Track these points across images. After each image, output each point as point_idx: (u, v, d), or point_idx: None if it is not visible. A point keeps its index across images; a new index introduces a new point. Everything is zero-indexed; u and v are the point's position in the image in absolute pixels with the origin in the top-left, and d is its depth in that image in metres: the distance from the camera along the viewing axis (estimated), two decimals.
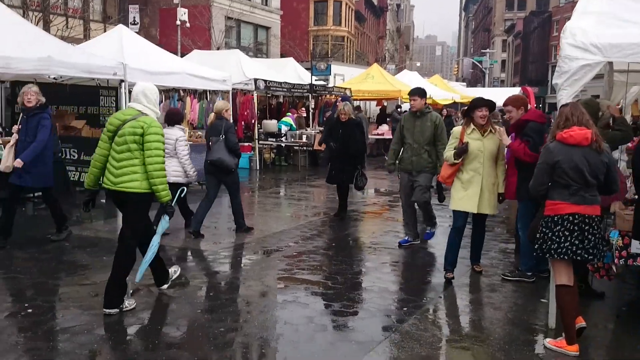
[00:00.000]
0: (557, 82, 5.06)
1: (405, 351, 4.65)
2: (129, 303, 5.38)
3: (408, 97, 7.82)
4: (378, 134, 21.97)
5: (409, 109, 7.80)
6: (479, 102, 6.36)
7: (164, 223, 5.55)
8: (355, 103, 21.85)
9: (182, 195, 6.31)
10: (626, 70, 7.92)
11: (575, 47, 5.01)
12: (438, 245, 8.20)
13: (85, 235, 8.40)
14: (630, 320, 5.43)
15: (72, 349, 4.50)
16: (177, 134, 8.07)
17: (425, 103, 7.69)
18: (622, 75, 8.26)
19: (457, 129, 6.49)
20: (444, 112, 19.78)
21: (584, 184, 4.52)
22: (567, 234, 4.52)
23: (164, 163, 5.24)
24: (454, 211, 6.45)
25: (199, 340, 4.83)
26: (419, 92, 7.69)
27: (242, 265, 7.31)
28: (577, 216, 4.51)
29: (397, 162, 7.94)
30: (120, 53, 11.82)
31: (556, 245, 4.54)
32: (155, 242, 5.48)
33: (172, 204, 5.40)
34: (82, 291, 5.95)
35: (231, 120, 8.77)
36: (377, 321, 5.32)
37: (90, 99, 13.21)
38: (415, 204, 7.93)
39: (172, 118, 8.23)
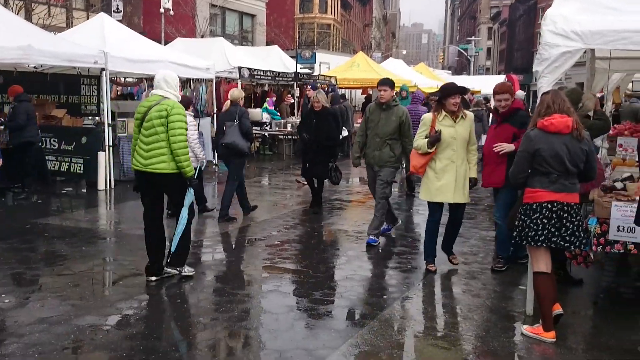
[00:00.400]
0: (537, 70, 5.06)
1: (384, 339, 4.67)
2: (188, 269, 6.05)
3: (377, 86, 7.34)
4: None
5: (376, 99, 7.40)
6: (453, 90, 6.17)
7: (190, 196, 5.98)
8: (341, 91, 21.78)
9: (202, 169, 7.62)
10: (608, 58, 7.95)
11: (556, 34, 5.00)
12: (419, 232, 8.24)
13: (65, 226, 8.33)
14: (608, 307, 5.48)
15: (47, 340, 4.46)
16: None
17: (394, 96, 7.33)
18: (604, 63, 8.29)
19: (427, 117, 6.26)
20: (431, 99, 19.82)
21: (564, 171, 4.53)
22: (545, 221, 4.54)
23: (186, 141, 5.70)
24: (429, 203, 6.32)
25: (177, 329, 4.82)
26: (388, 83, 7.31)
27: (224, 254, 7.28)
28: (556, 204, 4.53)
29: (363, 155, 7.59)
30: (101, 41, 11.68)
31: (534, 232, 4.57)
32: (184, 214, 5.93)
33: (195, 178, 5.99)
34: (61, 281, 5.90)
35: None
36: (357, 309, 5.33)
37: (72, 87, 13.10)
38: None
39: (181, 104, 8.27)
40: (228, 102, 8.80)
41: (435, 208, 6.32)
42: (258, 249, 7.37)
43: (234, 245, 7.58)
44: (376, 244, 7.42)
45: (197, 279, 6.10)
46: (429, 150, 6.10)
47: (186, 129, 5.69)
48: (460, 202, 6.23)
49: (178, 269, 5.99)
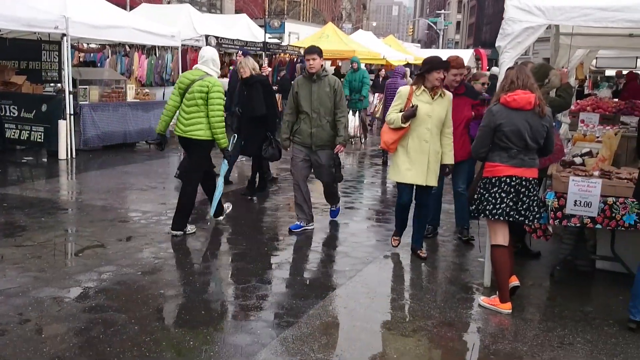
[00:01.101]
0: (500, 45, 5.07)
1: (346, 311, 4.72)
2: (190, 228, 6.62)
3: (304, 55, 6.65)
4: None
5: (304, 70, 6.62)
6: (440, 64, 5.63)
7: (224, 166, 6.96)
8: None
9: (234, 141, 7.78)
10: (571, 34, 8.03)
11: (520, 9, 5.01)
12: (385, 205, 8.30)
13: (25, 196, 8.16)
14: (563, 279, 5.63)
15: (5, 312, 4.39)
16: None
17: (323, 65, 6.55)
18: (567, 39, 8.38)
19: (404, 89, 5.78)
20: (382, 72, 19.62)
21: (524, 147, 4.59)
22: (503, 195, 4.61)
23: (223, 116, 6.46)
24: (398, 184, 5.93)
25: (137, 301, 4.79)
26: (317, 51, 6.50)
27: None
28: (514, 178, 4.60)
29: (293, 135, 6.73)
30: (62, 6, 11.31)
31: (492, 206, 4.64)
32: (220, 183, 6.88)
33: (229, 149, 6.75)
34: (20, 252, 5.80)
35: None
36: (319, 282, 5.37)
37: (32, 53, 12.71)
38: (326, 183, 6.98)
39: None
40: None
41: (404, 190, 5.89)
42: (222, 222, 7.34)
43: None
44: (336, 215, 7.41)
45: (158, 250, 6.05)
46: (403, 126, 5.59)
47: (224, 105, 6.47)
48: (432, 184, 5.78)
49: (222, 215, 7.21)
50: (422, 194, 5.89)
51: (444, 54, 34.60)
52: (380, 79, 18.59)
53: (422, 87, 5.65)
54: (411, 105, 5.60)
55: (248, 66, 8.24)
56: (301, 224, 6.86)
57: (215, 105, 6.31)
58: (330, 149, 6.59)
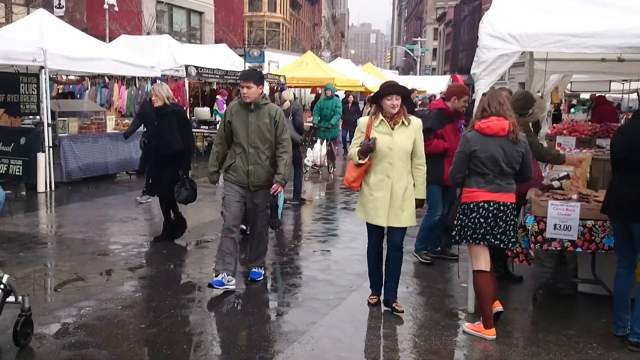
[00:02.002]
0: (475, 72, 5.14)
1: (331, 340, 4.68)
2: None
3: (240, 83, 5.73)
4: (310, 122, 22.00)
5: (239, 98, 5.79)
6: (388, 89, 5.08)
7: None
8: (291, 90, 21.74)
9: None
10: (545, 59, 8.18)
11: (493, 37, 5.10)
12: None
13: (3, 230, 8.03)
14: (546, 303, 5.65)
15: None
16: None
17: (262, 92, 5.71)
18: (542, 64, 8.53)
19: (363, 120, 5.23)
20: (350, 98, 19.49)
21: (499, 172, 4.65)
22: (482, 220, 4.65)
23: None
24: (367, 224, 5.29)
25: (118, 337, 4.71)
26: (254, 77, 5.64)
27: (171, 256, 7.15)
28: (492, 203, 4.64)
29: (226, 170, 5.85)
30: (40, 38, 11.31)
31: (471, 231, 4.67)
32: (280, 195, 7.39)
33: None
34: None
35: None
36: (303, 311, 5.33)
37: (10, 86, 12.60)
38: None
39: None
40: (287, 102, 9.58)
41: (372, 230, 5.28)
42: (206, 249, 7.27)
43: (182, 247, 7.43)
44: (261, 278, 6.02)
45: (143, 282, 5.98)
46: (361, 162, 5.06)
47: None
48: (395, 226, 5.13)
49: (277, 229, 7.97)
50: (392, 235, 5.22)
51: (422, 80, 35.07)
52: (349, 105, 18.34)
53: (380, 117, 5.06)
54: (369, 138, 5.04)
55: (162, 94, 7.25)
56: (224, 280, 5.66)
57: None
58: (268, 189, 5.77)
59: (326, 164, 14.27)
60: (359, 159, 5.06)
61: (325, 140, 14.21)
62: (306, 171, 13.33)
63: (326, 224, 8.88)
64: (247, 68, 20.11)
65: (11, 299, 4.33)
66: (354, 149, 5.15)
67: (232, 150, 5.79)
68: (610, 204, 4.74)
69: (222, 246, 5.77)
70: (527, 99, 6.16)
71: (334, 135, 14.56)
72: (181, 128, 7.27)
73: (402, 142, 5.02)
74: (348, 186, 5.30)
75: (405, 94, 5.21)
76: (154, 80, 14.86)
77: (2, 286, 4.22)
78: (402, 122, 5.05)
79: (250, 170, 5.68)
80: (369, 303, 5.44)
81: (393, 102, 5.01)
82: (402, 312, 5.23)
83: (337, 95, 16.15)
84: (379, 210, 5.08)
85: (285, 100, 9.55)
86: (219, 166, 5.93)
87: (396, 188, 5.04)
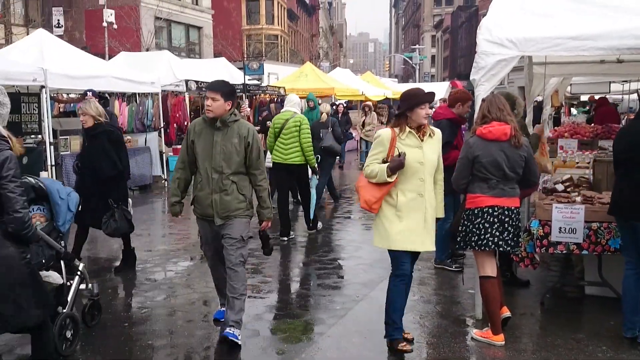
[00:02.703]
0: (474, 78, 5.15)
1: (339, 351, 4.67)
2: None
3: (206, 94, 4.91)
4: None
5: (204, 114, 4.84)
6: (425, 97, 4.52)
7: (314, 180, 8.88)
8: (327, 104, 21.78)
9: (318, 161, 8.93)
10: (544, 63, 8.19)
11: (492, 43, 5.11)
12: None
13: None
14: (553, 307, 5.61)
15: None
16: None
17: (231, 108, 4.70)
18: (541, 67, 8.54)
19: (385, 134, 4.52)
20: (339, 107, 18.23)
21: (502, 177, 4.64)
22: (487, 226, 4.63)
23: (311, 142, 8.19)
24: (392, 253, 4.57)
25: (125, 353, 4.69)
26: (221, 89, 4.67)
27: (174, 272, 7.14)
28: (496, 208, 4.63)
29: (191, 202, 4.98)
30: (40, 58, 11.37)
31: (477, 237, 4.65)
32: (313, 194, 8.72)
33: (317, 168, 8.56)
34: None
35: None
36: (309, 323, 5.31)
37: (11, 106, 12.66)
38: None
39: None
40: (325, 115, 10.56)
41: (401, 258, 4.54)
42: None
43: (185, 263, 7.43)
44: (239, 340, 4.73)
45: (148, 298, 5.96)
46: (389, 180, 4.41)
47: (311, 134, 8.17)
48: (431, 249, 4.69)
49: (316, 229, 8.84)
50: (413, 262, 4.69)
51: (422, 87, 35.05)
52: (339, 115, 17.34)
53: (407, 129, 4.49)
54: (397, 153, 4.42)
55: (90, 112, 6.41)
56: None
57: (306, 135, 8.13)
58: (243, 217, 4.81)
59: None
60: (388, 176, 4.39)
61: None
62: None
63: (330, 234, 8.87)
64: (247, 80, 20.17)
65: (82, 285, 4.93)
66: (375, 166, 4.45)
67: (196, 178, 4.89)
68: (614, 205, 4.74)
69: (215, 281, 5.28)
70: (512, 100, 6.13)
71: None
72: (115, 150, 6.50)
73: (431, 155, 4.52)
74: (368, 209, 4.57)
75: (432, 101, 4.82)
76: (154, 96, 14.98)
77: (79, 273, 4.87)
78: (429, 134, 4.55)
79: (215, 200, 4.71)
80: (400, 349, 4.58)
81: (427, 111, 4.50)
82: (412, 340, 4.78)
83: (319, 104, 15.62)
84: (413, 233, 4.46)
85: (322, 113, 10.51)
86: (182, 195, 4.98)
87: (428, 207, 4.51)
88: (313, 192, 8.74)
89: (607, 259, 5.38)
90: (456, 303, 5.77)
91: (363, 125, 18.49)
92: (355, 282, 6.46)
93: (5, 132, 3.77)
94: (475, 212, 4.67)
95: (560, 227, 5.08)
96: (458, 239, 4.82)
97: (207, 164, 4.72)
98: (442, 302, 5.79)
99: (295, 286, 6.39)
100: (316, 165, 8.49)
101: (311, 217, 8.75)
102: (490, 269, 4.72)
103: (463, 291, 6.06)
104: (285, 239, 8.23)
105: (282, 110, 8.59)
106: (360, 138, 19.05)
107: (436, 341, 4.82)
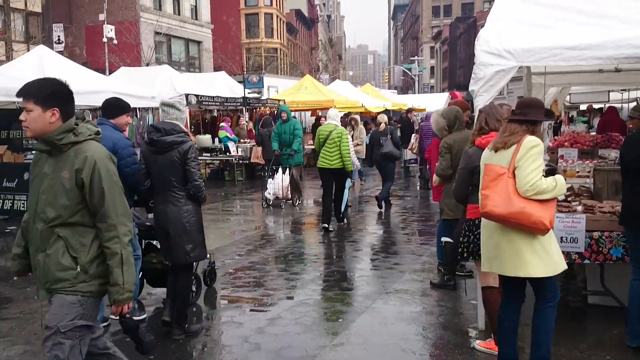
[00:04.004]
0: (473, 89, 5.17)
1: None
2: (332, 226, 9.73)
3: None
4: (312, 145, 21.98)
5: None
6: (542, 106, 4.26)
7: (348, 183, 10.34)
8: (293, 114, 21.81)
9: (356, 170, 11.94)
10: (543, 73, 8.23)
11: (490, 54, 5.13)
12: (375, 251, 8.25)
13: (10, 266, 8.00)
14: (556, 317, 5.58)
15: None
16: None
17: (65, 120, 3.22)
18: (540, 77, 8.58)
19: (540, 143, 3.99)
20: (322, 121, 15.30)
21: None
22: None
23: (349, 152, 9.77)
24: (550, 278, 4.09)
25: None
26: (34, 93, 3.25)
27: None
28: None
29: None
30: (41, 74, 11.38)
31: (478, 247, 4.64)
32: (345, 193, 10.21)
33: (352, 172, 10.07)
34: (6, 325, 5.67)
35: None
36: (313, 334, 5.29)
37: (12, 122, 12.73)
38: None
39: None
40: (383, 124, 12.19)
41: (556, 281, 4.23)
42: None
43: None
44: None
45: (149, 310, 5.95)
46: (563, 194, 4.08)
47: (348, 145, 9.67)
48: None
49: (344, 222, 10.32)
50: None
51: (421, 98, 35.18)
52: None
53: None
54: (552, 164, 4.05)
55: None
56: None
57: (345, 145, 9.58)
58: (69, 294, 3.19)
59: (289, 196, 12.52)
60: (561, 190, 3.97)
61: (287, 169, 12.53)
62: (267, 205, 12.47)
63: (331, 247, 8.87)
64: (246, 93, 20.15)
65: None
66: (548, 179, 3.91)
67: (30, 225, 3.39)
68: (626, 215, 4.74)
69: None
70: (457, 116, 6.16)
71: (298, 161, 12.97)
72: None
73: None
74: (545, 230, 3.88)
75: None
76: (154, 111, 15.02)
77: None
78: None
79: (37, 263, 3.27)
80: None
81: None
82: None
83: (294, 117, 14.65)
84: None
85: (381, 123, 12.16)
86: (25, 246, 3.44)
87: None
88: (346, 191, 10.21)
89: (610, 268, 5.37)
90: (459, 314, 5.75)
91: (352, 138, 15.95)
92: (357, 294, 6.47)
93: (185, 129, 5.30)
94: (477, 222, 4.66)
95: (562, 237, 5.07)
96: (460, 250, 4.81)
97: (32, 208, 3.32)
98: (445, 314, 5.77)
99: (296, 299, 6.36)
100: (353, 169, 10.56)
101: (342, 211, 10.21)
102: (492, 279, 4.70)
103: (466, 302, 6.04)
104: (327, 225, 9.73)
105: (325, 123, 10.31)
106: None
107: (439, 353, 4.80)
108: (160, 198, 5.17)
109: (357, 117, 17.20)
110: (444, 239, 5.26)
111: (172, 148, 5.04)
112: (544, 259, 3.94)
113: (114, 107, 5.44)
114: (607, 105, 15.75)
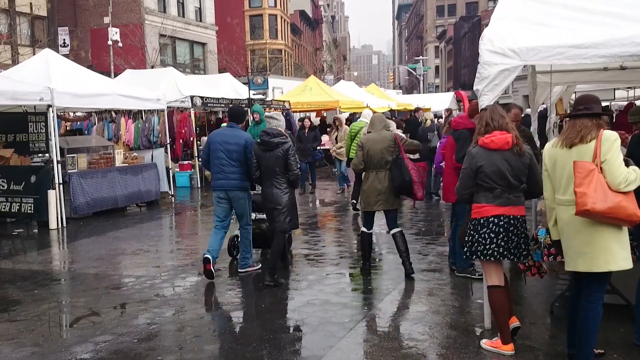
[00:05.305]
0: (477, 88, 5.16)
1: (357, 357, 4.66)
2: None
3: None
4: (320, 145, 21.95)
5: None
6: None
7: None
8: (297, 115, 21.87)
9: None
10: (549, 72, 8.20)
11: (494, 53, 5.12)
12: (378, 259, 8.26)
13: (17, 269, 8.07)
14: (563, 316, 5.56)
15: None
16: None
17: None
18: (546, 76, 8.55)
19: (618, 136, 4.13)
20: (306, 122, 15.89)
21: (507, 186, 4.63)
22: (492, 235, 4.62)
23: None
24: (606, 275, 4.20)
25: None
26: None
27: (183, 288, 7.16)
28: (502, 217, 4.61)
29: None
30: (47, 77, 11.49)
31: (482, 247, 4.64)
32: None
33: None
34: (14, 327, 5.70)
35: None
36: (319, 335, 5.30)
37: (19, 126, 12.80)
38: None
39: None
40: (428, 121, 13.57)
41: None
42: (217, 280, 7.27)
43: (192, 278, 7.45)
44: None
45: (154, 312, 5.98)
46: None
47: None
48: None
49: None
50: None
51: (427, 98, 35.17)
52: (306, 131, 15.50)
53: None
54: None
55: None
56: None
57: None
58: None
59: None
60: None
61: None
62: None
63: (337, 247, 8.87)
64: (251, 95, 20.24)
65: None
66: (633, 171, 3.99)
67: None
68: None
69: None
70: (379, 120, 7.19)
71: None
72: None
73: None
74: (636, 222, 3.97)
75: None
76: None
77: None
78: None
79: None
80: None
81: None
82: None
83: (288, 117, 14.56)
84: None
85: (427, 120, 13.64)
86: None
87: None
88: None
89: None
90: (465, 313, 5.75)
91: (337, 140, 15.40)
92: (364, 294, 6.45)
93: (285, 132, 6.99)
94: (481, 221, 4.66)
95: None
96: (465, 249, 4.81)
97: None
98: (451, 313, 5.77)
99: (303, 299, 6.37)
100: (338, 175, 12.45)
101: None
102: (498, 278, 4.71)
103: (472, 301, 6.04)
104: (355, 201, 11.15)
105: (358, 119, 11.47)
106: (334, 157, 15.63)
107: (446, 352, 4.80)
108: (268, 183, 6.85)
109: (342, 117, 17.07)
110: None
111: (277, 147, 6.71)
112: (628, 252, 4.06)
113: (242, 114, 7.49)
114: (617, 108, 15.62)
